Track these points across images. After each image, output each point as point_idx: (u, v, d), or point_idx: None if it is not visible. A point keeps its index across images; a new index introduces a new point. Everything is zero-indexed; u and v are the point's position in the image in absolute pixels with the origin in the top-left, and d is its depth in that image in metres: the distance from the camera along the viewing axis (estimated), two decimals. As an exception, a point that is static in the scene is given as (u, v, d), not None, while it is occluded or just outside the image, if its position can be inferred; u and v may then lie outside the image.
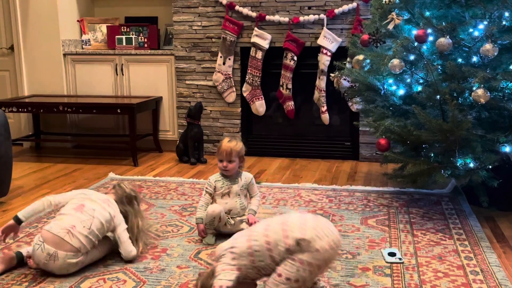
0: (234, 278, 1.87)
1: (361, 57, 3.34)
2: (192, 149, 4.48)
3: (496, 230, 2.88)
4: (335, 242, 1.84)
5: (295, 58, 4.48)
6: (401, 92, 3.22)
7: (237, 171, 2.79)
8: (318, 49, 4.44)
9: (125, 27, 5.06)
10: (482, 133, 2.87)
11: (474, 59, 2.94)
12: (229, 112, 4.77)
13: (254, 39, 4.54)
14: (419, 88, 3.11)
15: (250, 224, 2.71)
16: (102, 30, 5.17)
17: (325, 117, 4.51)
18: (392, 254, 2.49)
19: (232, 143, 2.73)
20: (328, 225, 1.90)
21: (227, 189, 2.76)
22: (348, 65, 4.00)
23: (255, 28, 4.53)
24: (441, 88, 2.89)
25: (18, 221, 2.40)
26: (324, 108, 4.49)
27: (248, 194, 2.84)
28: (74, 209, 2.36)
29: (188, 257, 2.50)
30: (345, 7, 4.35)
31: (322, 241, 1.80)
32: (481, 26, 2.88)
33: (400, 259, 2.45)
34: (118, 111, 4.49)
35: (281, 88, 4.60)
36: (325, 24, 4.40)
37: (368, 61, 3.31)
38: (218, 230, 2.74)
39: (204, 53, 4.74)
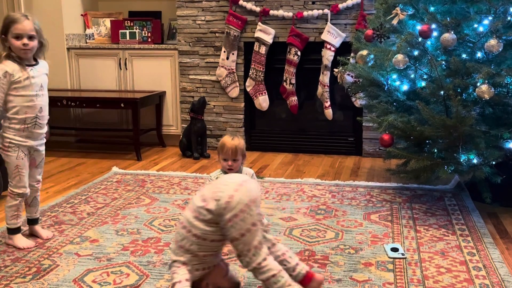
0: (185, 272, 1.94)
1: (365, 52, 3.33)
2: (195, 144, 4.49)
3: (499, 226, 2.88)
4: (238, 183, 1.90)
5: (299, 53, 4.47)
6: (405, 87, 3.21)
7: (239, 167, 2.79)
8: (322, 44, 4.43)
9: (128, 22, 5.06)
10: (485, 129, 2.87)
11: (479, 54, 2.93)
12: (232, 107, 4.77)
13: (257, 34, 4.53)
14: (423, 84, 3.10)
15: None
16: (106, 24, 5.17)
17: (329, 113, 4.51)
18: (394, 250, 2.49)
19: (236, 141, 2.71)
20: (227, 177, 2.00)
21: (229, 185, 2.76)
22: (352, 60, 4.00)
23: (259, 23, 4.52)
24: (445, 83, 2.88)
25: None
26: (328, 104, 4.49)
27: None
28: None
29: (191, 251, 2.51)
30: (349, 2, 4.34)
31: (224, 192, 1.86)
32: (485, 22, 2.86)
33: (402, 254, 2.45)
34: (122, 105, 4.49)
35: (284, 83, 4.59)
36: (329, 19, 4.39)
37: (372, 56, 3.31)
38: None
39: (207, 47, 4.73)
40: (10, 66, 2.43)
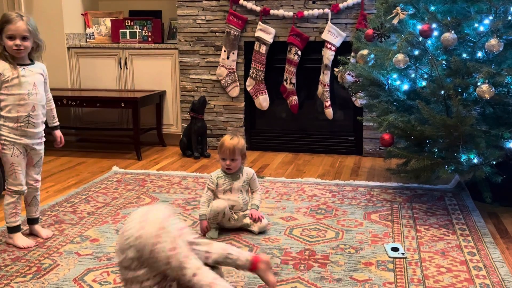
0: None
1: (365, 52, 3.33)
2: (195, 143, 4.49)
3: (500, 226, 2.88)
4: (140, 219, 1.85)
5: (299, 52, 4.47)
6: (405, 87, 3.21)
7: (239, 167, 2.79)
8: (322, 43, 4.43)
9: (129, 21, 5.05)
10: (486, 128, 2.87)
11: (479, 54, 2.93)
12: (232, 107, 4.77)
13: (258, 34, 4.53)
14: (423, 83, 3.10)
15: (253, 219, 2.72)
16: (106, 23, 5.17)
17: (329, 112, 4.50)
18: (395, 249, 2.49)
19: (235, 141, 2.70)
20: (130, 217, 1.91)
21: (229, 185, 2.76)
22: (352, 60, 4.00)
23: (259, 23, 4.52)
24: (445, 83, 2.88)
25: None
26: (328, 103, 4.48)
27: (249, 189, 2.85)
28: None
29: (191, 251, 2.51)
30: (350, 2, 4.34)
31: (133, 235, 1.82)
32: (486, 21, 2.86)
33: (403, 254, 2.45)
34: (122, 105, 4.49)
35: (285, 83, 4.59)
36: (329, 19, 4.38)
37: (372, 56, 3.31)
38: (222, 226, 2.74)
39: (208, 47, 4.73)
40: (1, 65, 2.46)
